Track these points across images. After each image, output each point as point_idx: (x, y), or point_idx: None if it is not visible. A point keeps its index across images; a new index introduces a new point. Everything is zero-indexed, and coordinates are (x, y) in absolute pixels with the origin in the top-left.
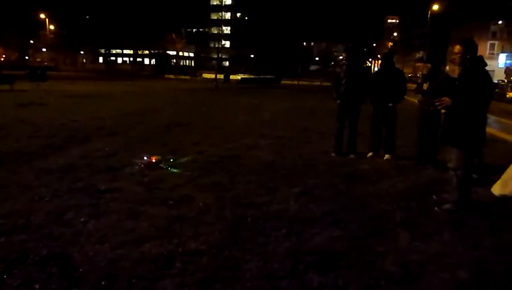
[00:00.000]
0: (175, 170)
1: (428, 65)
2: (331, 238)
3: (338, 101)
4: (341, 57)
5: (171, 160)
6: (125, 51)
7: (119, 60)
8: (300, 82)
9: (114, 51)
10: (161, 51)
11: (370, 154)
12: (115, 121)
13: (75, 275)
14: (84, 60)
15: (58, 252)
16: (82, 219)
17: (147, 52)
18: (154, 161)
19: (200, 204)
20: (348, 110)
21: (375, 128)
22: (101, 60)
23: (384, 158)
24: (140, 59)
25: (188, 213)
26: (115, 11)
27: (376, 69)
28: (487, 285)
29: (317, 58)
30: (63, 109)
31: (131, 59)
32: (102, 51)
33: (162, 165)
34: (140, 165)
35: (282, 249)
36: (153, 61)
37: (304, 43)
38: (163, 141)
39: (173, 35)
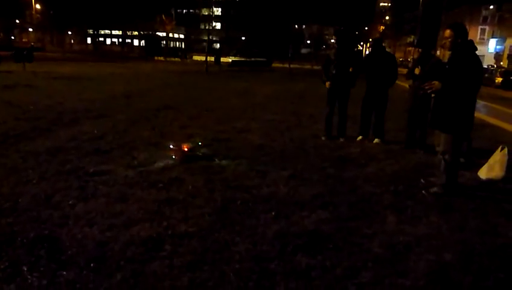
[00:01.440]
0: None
1: (419, 50)
2: (320, 220)
3: (328, 84)
4: (332, 41)
5: (199, 144)
6: (113, 32)
7: (108, 41)
8: (291, 65)
9: (102, 32)
10: (151, 32)
11: (360, 137)
12: (103, 103)
13: (63, 257)
14: (72, 41)
15: (46, 234)
16: (70, 202)
17: (136, 33)
18: (186, 149)
19: (190, 187)
20: (338, 93)
21: (365, 112)
22: (89, 40)
23: (374, 142)
24: (130, 40)
25: (178, 196)
26: None
27: (367, 52)
28: (471, 266)
29: (308, 42)
30: (50, 91)
31: (120, 40)
32: (91, 31)
33: (196, 152)
34: (173, 157)
35: (271, 232)
36: (143, 42)
37: (296, 26)
38: (152, 124)
39: (163, 16)
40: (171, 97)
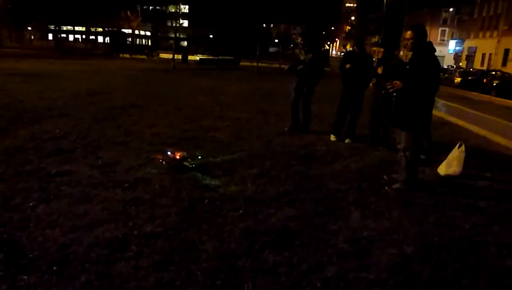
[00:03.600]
0: (199, 173)
1: (381, 49)
2: (287, 218)
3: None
4: (299, 40)
5: (199, 157)
6: (76, 28)
7: (71, 38)
8: (259, 64)
9: (64, 28)
10: (115, 29)
11: (333, 137)
12: (66, 101)
13: (24, 261)
14: (32, 37)
15: (5, 238)
16: (31, 204)
17: (100, 29)
18: (178, 157)
19: (156, 186)
20: (303, 91)
21: (342, 111)
22: (50, 36)
23: (346, 142)
24: (94, 37)
25: (144, 196)
26: None
27: (347, 52)
28: (430, 258)
29: (276, 40)
30: (8, 88)
31: (84, 37)
32: (52, 27)
33: (187, 163)
34: (161, 161)
35: (238, 230)
36: (107, 39)
37: (264, 25)
38: (117, 123)
39: (128, 12)
40: (137, 95)
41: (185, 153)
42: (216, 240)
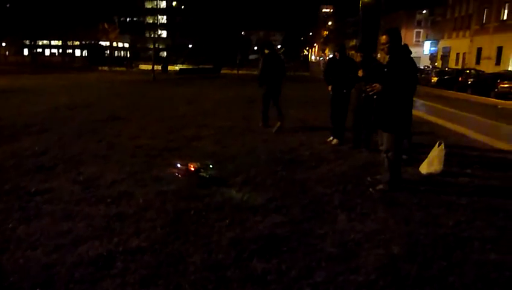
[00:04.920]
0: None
1: (359, 54)
2: (274, 224)
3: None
4: (279, 46)
5: (210, 166)
6: (52, 42)
7: (47, 52)
8: (240, 71)
9: (40, 42)
10: (93, 42)
11: (331, 139)
12: (45, 116)
13: (5, 284)
14: (7, 52)
15: None
16: (10, 225)
17: (77, 43)
18: (192, 169)
19: (141, 200)
20: (272, 93)
21: (334, 115)
22: (26, 52)
23: (333, 143)
24: (71, 50)
25: (128, 210)
26: None
27: (330, 57)
28: (417, 256)
29: (256, 48)
30: None
31: (60, 50)
32: (27, 42)
33: (203, 173)
34: (177, 175)
35: (225, 239)
36: (85, 52)
37: (243, 33)
38: (99, 136)
39: (105, 24)
40: (118, 107)
41: (198, 164)
42: (203, 251)
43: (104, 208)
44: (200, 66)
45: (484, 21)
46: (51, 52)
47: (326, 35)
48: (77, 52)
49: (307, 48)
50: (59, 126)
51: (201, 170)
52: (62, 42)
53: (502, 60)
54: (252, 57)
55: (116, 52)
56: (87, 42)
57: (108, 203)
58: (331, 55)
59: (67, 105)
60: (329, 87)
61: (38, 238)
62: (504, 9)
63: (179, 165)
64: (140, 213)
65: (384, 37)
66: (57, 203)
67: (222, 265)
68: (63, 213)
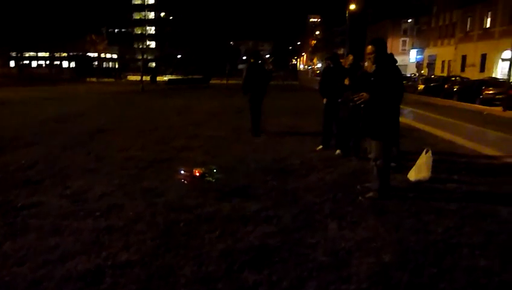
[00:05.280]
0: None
1: (350, 57)
2: (265, 234)
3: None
4: (267, 56)
5: (214, 171)
6: (40, 54)
7: (34, 64)
8: (229, 81)
9: (27, 54)
10: (81, 53)
11: (320, 147)
12: (32, 129)
13: None
14: None
15: None
16: None
17: (65, 54)
18: (197, 174)
19: (130, 213)
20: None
21: (326, 123)
22: (12, 63)
23: (336, 153)
24: (58, 62)
25: (117, 223)
26: (26, 10)
27: (325, 67)
28: (408, 264)
29: (244, 58)
30: None
31: (48, 62)
32: (14, 54)
33: (209, 178)
34: (183, 181)
35: (216, 251)
36: (73, 64)
37: (232, 42)
38: (87, 149)
39: (93, 36)
40: (106, 119)
41: (203, 169)
42: (194, 263)
43: (92, 221)
44: (189, 77)
45: (468, 29)
46: (38, 64)
47: (314, 44)
48: (65, 64)
49: (296, 57)
50: (46, 139)
51: (206, 175)
52: (49, 54)
53: (486, 67)
54: (241, 66)
55: (104, 63)
56: (75, 53)
57: (97, 216)
58: (319, 64)
59: (55, 117)
60: (324, 100)
61: (25, 254)
62: (487, 18)
63: (182, 172)
64: (130, 226)
65: (369, 47)
66: (45, 217)
67: (213, 277)
68: (51, 228)
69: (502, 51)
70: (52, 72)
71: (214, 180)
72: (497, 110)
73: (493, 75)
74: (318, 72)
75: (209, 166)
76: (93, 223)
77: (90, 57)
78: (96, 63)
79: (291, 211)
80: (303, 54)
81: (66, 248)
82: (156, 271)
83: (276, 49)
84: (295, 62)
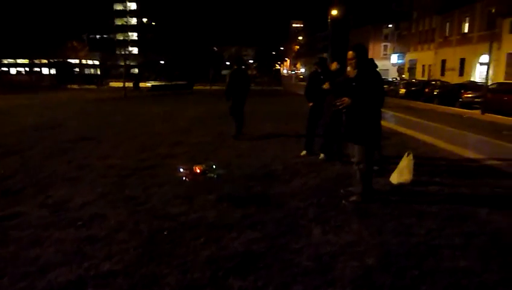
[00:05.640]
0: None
1: (334, 64)
2: (249, 241)
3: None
4: (251, 61)
5: (214, 167)
6: (19, 60)
7: (13, 71)
8: (213, 87)
9: (6, 61)
10: (61, 60)
11: (304, 152)
12: (11, 138)
13: None
14: None
15: None
16: None
17: (45, 61)
18: (198, 171)
19: (112, 221)
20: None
21: (310, 128)
22: None
23: (320, 157)
24: (38, 69)
25: (99, 233)
26: (4, 16)
27: (312, 72)
28: (391, 267)
29: (228, 63)
30: None
31: (28, 69)
32: None
33: (210, 174)
34: (184, 179)
35: (201, 258)
36: (53, 70)
37: (215, 48)
38: (68, 157)
39: (74, 42)
40: (88, 127)
41: (203, 165)
42: (178, 271)
43: (74, 231)
44: (173, 83)
45: (447, 34)
46: (17, 71)
47: (298, 49)
48: (45, 71)
49: (279, 63)
50: (26, 148)
51: (207, 171)
52: (29, 60)
53: (465, 71)
54: (224, 72)
55: (86, 69)
56: (56, 60)
57: (79, 226)
58: (303, 70)
59: (35, 126)
60: (310, 104)
61: (5, 266)
62: (465, 23)
63: (181, 170)
64: (112, 235)
65: (350, 52)
66: (25, 228)
67: (198, 285)
68: (31, 239)
69: (480, 55)
70: (33, 79)
71: (215, 176)
72: (476, 113)
73: (472, 79)
74: (302, 77)
75: (208, 162)
76: (74, 233)
77: (71, 63)
78: (77, 69)
79: (276, 216)
80: (286, 59)
81: (47, 259)
82: (140, 280)
83: (260, 54)
84: (279, 67)
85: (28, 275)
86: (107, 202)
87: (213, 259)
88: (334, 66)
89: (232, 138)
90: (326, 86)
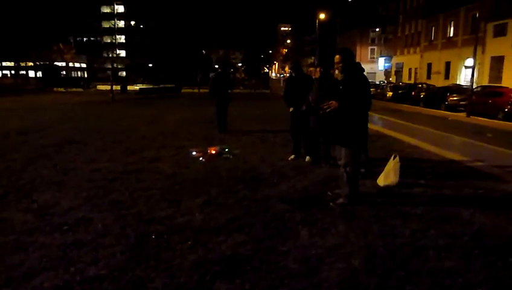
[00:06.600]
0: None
1: (318, 69)
2: (236, 244)
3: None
4: (239, 64)
5: (226, 149)
6: (4, 63)
7: None
8: (200, 90)
9: None
10: (48, 62)
11: (292, 156)
12: None
13: None
14: None
15: None
16: None
17: (31, 63)
18: (214, 152)
19: (99, 226)
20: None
21: (294, 132)
22: None
23: (306, 160)
24: (24, 71)
25: (85, 237)
26: None
27: (288, 76)
28: (376, 268)
29: (216, 66)
30: None
31: (13, 72)
32: None
33: (226, 155)
34: (201, 160)
35: (188, 262)
36: (39, 73)
37: (203, 51)
38: (53, 161)
39: (60, 45)
40: (74, 130)
41: (217, 147)
42: (165, 275)
43: (59, 236)
44: (161, 86)
45: (432, 38)
46: (2, 74)
47: (285, 53)
48: (31, 73)
49: (267, 66)
50: (10, 152)
51: (222, 152)
52: (14, 63)
53: (450, 74)
54: (212, 75)
55: (72, 72)
56: (42, 63)
57: (64, 231)
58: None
59: (19, 129)
60: (291, 109)
61: None
62: (450, 27)
63: (194, 153)
64: (98, 240)
65: (337, 57)
66: (8, 234)
67: (185, 289)
68: (15, 244)
69: (465, 59)
70: (18, 82)
71: (231, 156)
72: (461, 115)
73: (457, 82)
74: None
75: (221, 145)
76: (60, 238)
77: (57, 66)
78: (64, 72)
79: (263, 219)
80: (274, 62)
81: (31, 264)
82: (126, 285)
83: (248, 57)
84: (267, 70)
85: (12, 281)
86: (93, 206)
87: (200, 262)
88: (317, 73)
89: (218, 132)
90: (317, 74)
